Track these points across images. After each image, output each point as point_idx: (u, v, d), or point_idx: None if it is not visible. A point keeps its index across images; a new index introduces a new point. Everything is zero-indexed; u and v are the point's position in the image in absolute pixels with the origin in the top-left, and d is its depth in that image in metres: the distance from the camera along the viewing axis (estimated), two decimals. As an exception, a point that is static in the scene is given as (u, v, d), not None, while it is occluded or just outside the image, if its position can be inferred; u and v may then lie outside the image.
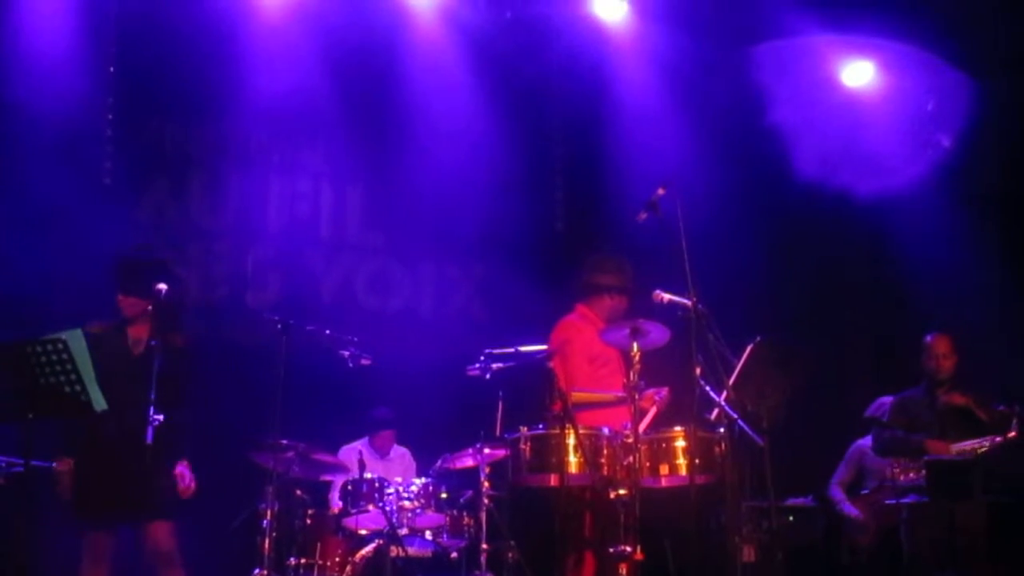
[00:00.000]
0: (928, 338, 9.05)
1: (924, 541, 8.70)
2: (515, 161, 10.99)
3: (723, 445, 7.44)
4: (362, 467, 8.67)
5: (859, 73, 11.00)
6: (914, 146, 10.82)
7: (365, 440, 9.88)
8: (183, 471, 7.50)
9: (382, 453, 9.96)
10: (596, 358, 8.23)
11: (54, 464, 7.36)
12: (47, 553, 7.66)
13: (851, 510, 9.69)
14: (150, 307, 7.61)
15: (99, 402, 6.42)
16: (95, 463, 7.32)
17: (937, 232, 10.27)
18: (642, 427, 7.65)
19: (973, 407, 8.78)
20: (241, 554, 8.33)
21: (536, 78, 11.00)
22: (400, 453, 10.10)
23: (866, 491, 9.78)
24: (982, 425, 8.67)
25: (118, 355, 7.41)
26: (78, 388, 6.31)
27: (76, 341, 6.31)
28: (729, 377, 7.45)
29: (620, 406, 7.75)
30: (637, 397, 7.39)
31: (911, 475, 8.65)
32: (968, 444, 8.55)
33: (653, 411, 7.89)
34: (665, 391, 8.00)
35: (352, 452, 9.13)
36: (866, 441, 9.74)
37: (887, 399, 9.48)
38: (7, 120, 9.61)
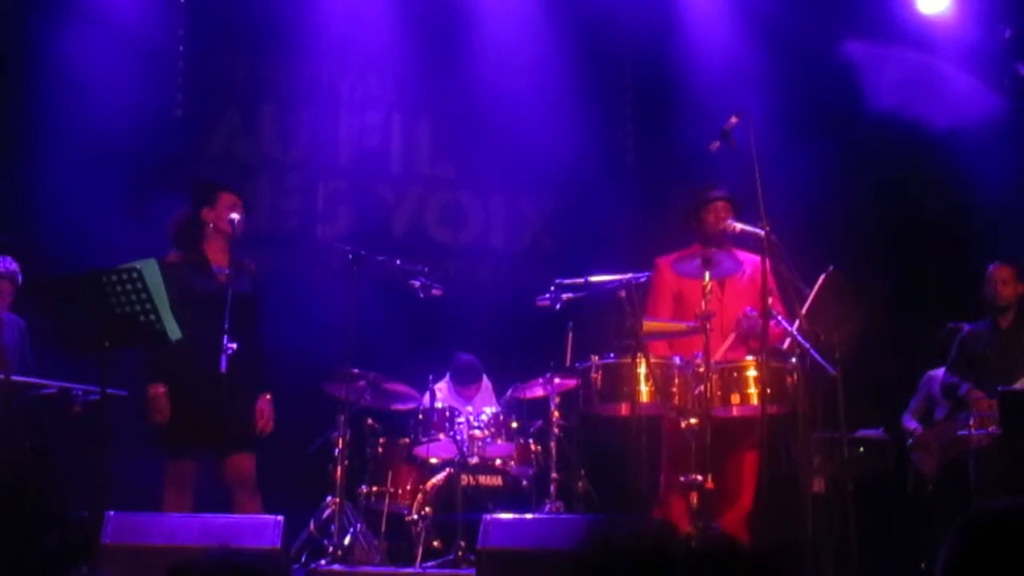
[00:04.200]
0: (990, 267, 8.97)
1: (992, 473, 8.63)
2: (584, 92, 10.92)
3: (795, 375, 7.41)
4: (433, 396, 8.73)
5: (934, 0, 10.82)
6: (990, 76, 10.62)
7: (448, 382, 9.61)
8: (263, 407, 7.57)
9: (467, 396, 9.61)
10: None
11: (148, 391, 7.44)
12: (123, 479, 7.75)
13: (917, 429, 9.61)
14: (240, 204, 7.69)
15: (174, 331, 6.47)
16: (183, 392, 7.35)
17: (1013, 163, 10.12)
18: (721, 351, 7.67)
19: None
20: (314, 481, 8.42)
21: (605, 7, 10.90)
22: (484, 386, 9.77)
23: (937, 418, 9.70)
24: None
25: (200, 283, 7.44)
26: (152, 317, 6.35)
27: (150, 270, 6.36)
28: (802, 307, 7.42)
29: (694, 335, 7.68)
30: (708, 327, 7.37)
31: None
32: None
33: (732, 336, 7.83)
34: (752, 312, 7.81)
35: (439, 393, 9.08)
36: (938, 372, 9.67)
37: (961, 330, 9.42)
38: (79, 52, 9.66)
